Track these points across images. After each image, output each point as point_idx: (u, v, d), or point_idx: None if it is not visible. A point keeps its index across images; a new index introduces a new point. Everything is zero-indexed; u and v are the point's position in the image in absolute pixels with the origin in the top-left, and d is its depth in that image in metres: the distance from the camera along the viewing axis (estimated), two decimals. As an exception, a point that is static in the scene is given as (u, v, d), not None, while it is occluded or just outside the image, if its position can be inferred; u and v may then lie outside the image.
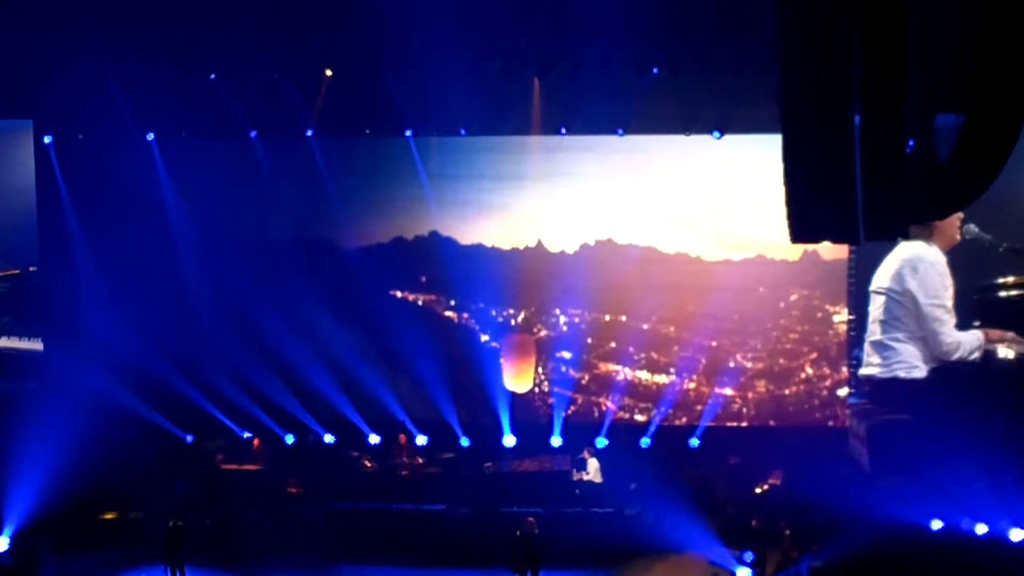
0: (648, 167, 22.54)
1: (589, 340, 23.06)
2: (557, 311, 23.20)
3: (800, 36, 7.83)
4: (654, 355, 23.00)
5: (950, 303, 15.79)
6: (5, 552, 19.65)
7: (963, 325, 16.11)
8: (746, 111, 20.75)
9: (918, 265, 15.68)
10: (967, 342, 15.82)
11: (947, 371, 16.06)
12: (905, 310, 15.73)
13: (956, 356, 15.82)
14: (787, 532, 19.22)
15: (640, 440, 22.62)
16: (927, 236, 15.68)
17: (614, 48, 20.75)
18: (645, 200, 22.65)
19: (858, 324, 22.21)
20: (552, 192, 22.84)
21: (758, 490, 21.60)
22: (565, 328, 23.19)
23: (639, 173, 22.57)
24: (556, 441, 22.61)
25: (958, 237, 15.98)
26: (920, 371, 16.01)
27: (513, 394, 23.14)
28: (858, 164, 7.96)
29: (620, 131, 22.08)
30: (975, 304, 16.96)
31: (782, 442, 21.83)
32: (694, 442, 22.63)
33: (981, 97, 7.89)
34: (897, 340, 15.86)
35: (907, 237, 15.24)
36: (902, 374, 15.98)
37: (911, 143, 8.69)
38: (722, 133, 21.78)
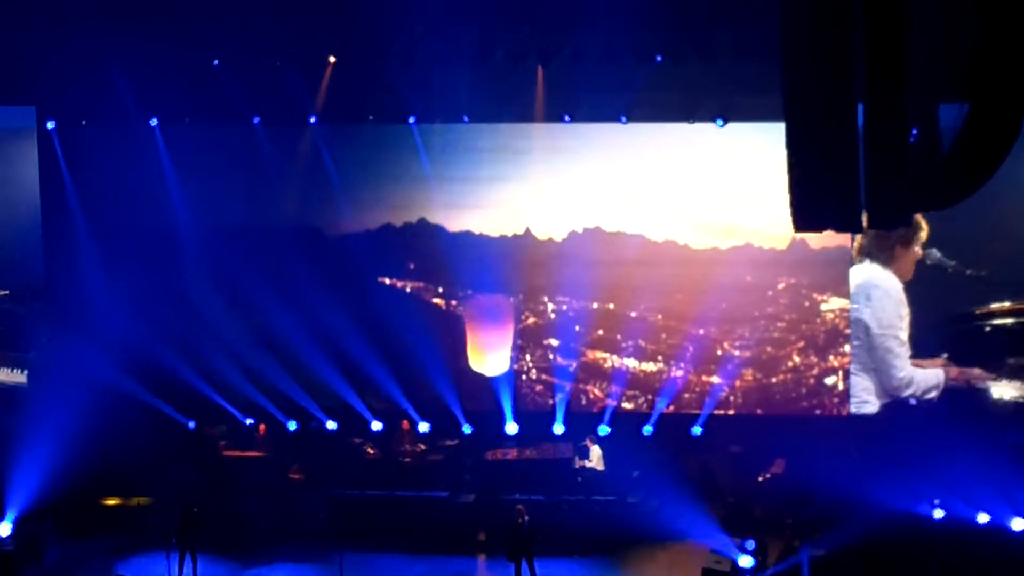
0: (635, 156, 22.45)
1: (577, 328, 23.04)
2: (545, 299, 23.18)
3: (803, 25, 7.82)
4: (642, 343, 22.96)
5: (905, 334, 15.18)
6: (8, 537, 19.67)
7: (928, 355, 15.72)
8: (749, 99, 20.70)
9: (872, 292, 15.12)
10: (922, 379, 15.28)
11: (900, 408, 15.62)
12: (856, 340, 15.20)
13: (908, 392, 15.36)
14: (789, 521, 19.23)
15: (643, 428, 22.59)
16: (885, 261, 15.13)
17: (617, 36, 20.71)
18: (633, 189, 22.56)
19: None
20: (540, 180, 22.77)
21: (760, 479, 21.61)
22: (553, 316, 23.18)
23: (627, 162, 22.49)
24: (559, 429, 22.62)
25: (911, 273, 15.48)
26: (871, 406, 15.51)
27: (489, 379, 23.19)
28: (861, 153, 7.95)
29: (623, 119, 22.02)
30: (950, 335, 16.57)
31: (784, 431, 21.80)
32: (696, 430, 22.60)
33: (984, 88, 7.88)
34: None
35: (909, 226, 15.05)
36: (852, 409, 15.46)
37: (914, 132, 8.69)
38: (725, 121, 21.72)
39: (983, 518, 18.63)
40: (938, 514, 18.78)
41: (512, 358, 23.20)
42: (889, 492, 18.39)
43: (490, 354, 23.31)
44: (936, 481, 18.83)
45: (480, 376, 23.16)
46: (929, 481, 18.87)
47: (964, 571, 17.12)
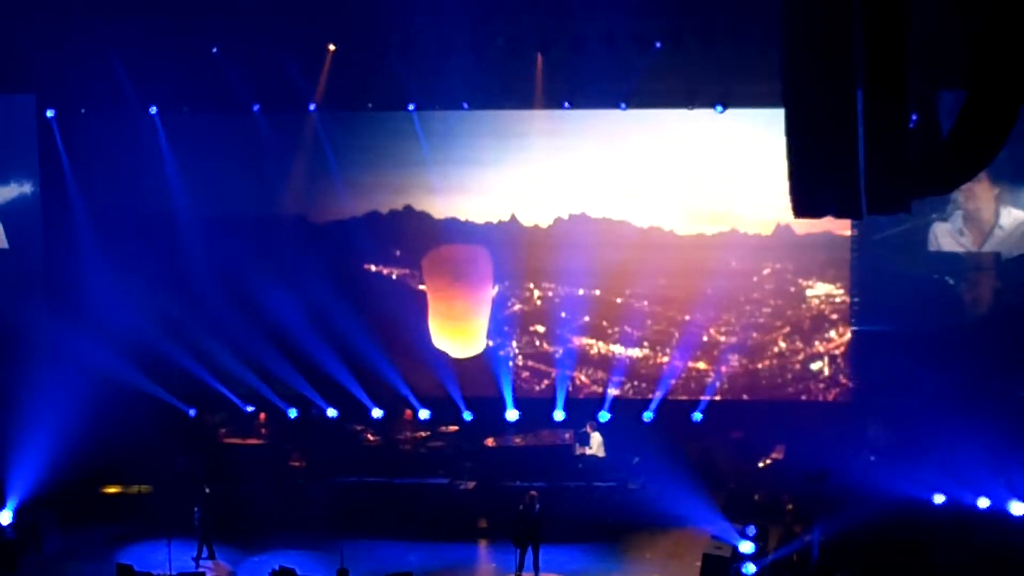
0: (634, 143, 22.45)
1: (563, 314, 23.08)
2: (531, 285, 23.23)
3: (803, 10, 7.80)
4: (628, 329, 22.99)
5: None
6: (8, 525, 19.70)
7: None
8: (749, 85, 20.65)
9: None
10: None
11: None
12: None
13: None
14: (790, 506, 19.25)
15: (643, 415, 22.60)
16: None
17: (617, 23, 20.66)
18: (627, 176, 22.58)
19: (860, 300, 22.23)
20: (538, 168, 22.77)
21: (761, 464, 21.62)
22: (539, 303, 23.22)
23: (625, 149, 22.49)
24: (559, 415, 22.64)
25: None
26: None
27: (488, 366, 23.25)
28: (861, 138, 7.94)
29: (622, 105, 21.98)
30: None
31: (784, 416, 21.82)
32: (697, 417, 22.61)
33: (983, 74, 7.86)
34: None
35: (908, 212, 15.09)
36: None
37: (914, 118, 8.67)
38: (725, 107, 21.69)
39: (983, 503, 18.68)
40: (939, 499, 18.83)
41: (495, 339, 23.27)
42: (890, 477, 18.46)
43: (462, 323, 23.53)
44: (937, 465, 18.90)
45: (477, 362, 23.24)
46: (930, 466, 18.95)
47: (964, 554, 17.15)
